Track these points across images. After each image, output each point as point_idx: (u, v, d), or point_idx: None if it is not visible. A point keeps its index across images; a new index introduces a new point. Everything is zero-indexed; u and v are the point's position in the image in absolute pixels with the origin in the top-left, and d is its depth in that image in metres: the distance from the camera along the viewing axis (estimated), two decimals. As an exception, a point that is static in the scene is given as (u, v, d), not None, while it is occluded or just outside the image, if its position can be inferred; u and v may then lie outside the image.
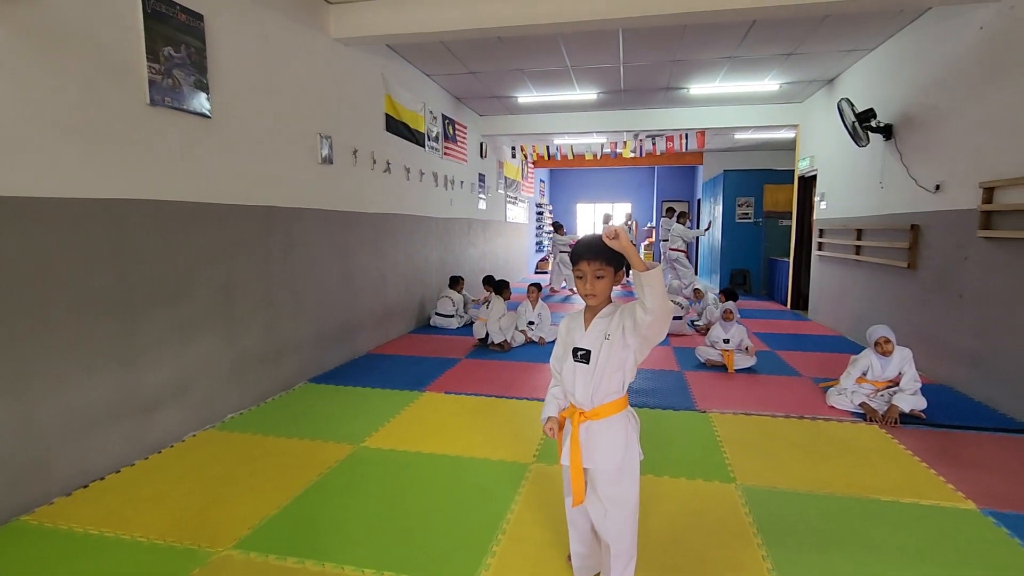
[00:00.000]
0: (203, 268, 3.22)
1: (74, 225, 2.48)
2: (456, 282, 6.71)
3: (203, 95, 3.15)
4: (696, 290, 7.52)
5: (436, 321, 6.45)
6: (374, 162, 5.20)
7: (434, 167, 6.78)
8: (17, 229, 2.26)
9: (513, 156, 10.89)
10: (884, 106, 5.16)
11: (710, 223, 10.67)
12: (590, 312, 1.71)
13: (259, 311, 3.71)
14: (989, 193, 3.70)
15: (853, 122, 5.19)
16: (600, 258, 1.61)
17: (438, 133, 6.91)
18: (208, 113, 3.19)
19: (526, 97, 7.53)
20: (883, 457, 2.90)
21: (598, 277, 1.62)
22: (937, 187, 4.33)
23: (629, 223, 13.01)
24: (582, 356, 1.67)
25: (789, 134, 8.81)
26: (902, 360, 3.49)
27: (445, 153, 7.17)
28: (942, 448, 2.99)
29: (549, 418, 1.77)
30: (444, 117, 7.16)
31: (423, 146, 6.41)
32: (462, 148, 7.85)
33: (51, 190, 2.38)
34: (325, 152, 4.39)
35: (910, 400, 3.39)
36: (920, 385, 3.44)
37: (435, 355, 5.12)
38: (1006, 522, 2.25)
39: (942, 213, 4.27)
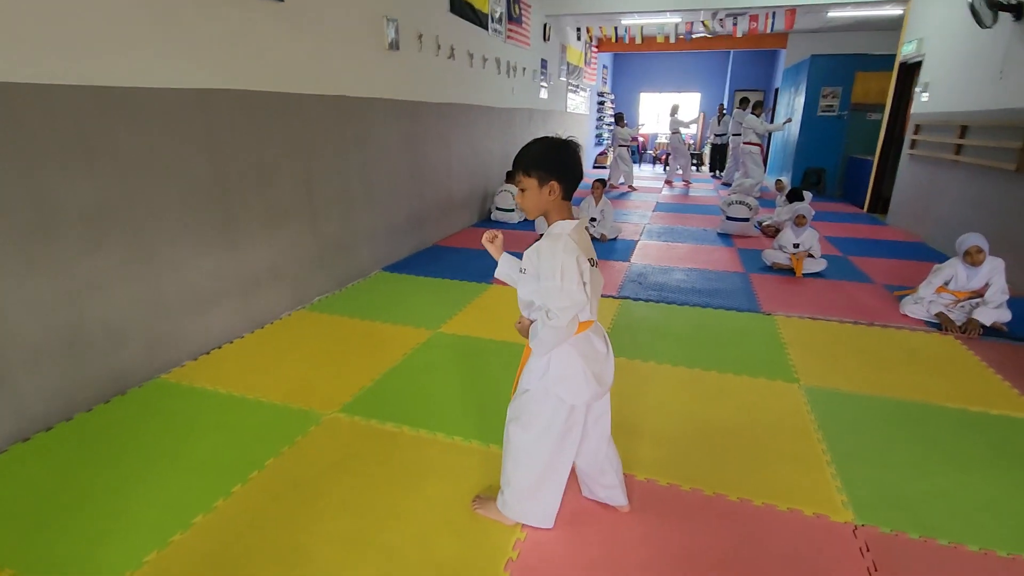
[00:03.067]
0: (286, 159, 3.34)
1: (173, 115, 2.60)
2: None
3: (275, -25, 3.06)
4: (779, 180, 7.18)
5: (496, 215, 6.51)
6: (438, 47, 5.00)
7: (497, 52, 6.45)
8: (126, 119, 2.39)
9: (579, 38, 10.14)
10: (1024, -23, 4.40)
11: (789, 118, 9.83)
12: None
13: (336, 201, 3.86)
14: None
15: (980, -2, 4.50)
16: (518, 170, 1.47)
17: (502, 13, 6.48)
18: (280, -4, 3.12)
19: (598, -31, 6.84)
20: (955, 367, 2.88)
21: (521, 190, 1.47)
22: (1071, 79, 3.80)
23: (696, 121, 12.18)
24: (522, 270, 1.54)
25: (896, 11, 7.73)
26: (992, 270, 3.32)
27: (508, 36, 6.76)
28: (1019, 361, 2.94)
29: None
30: (509, -7, 6.66)
31: (486, 28, 6.06)
32: (525, 31, 7.37)
33: (149, 80, 2.47)
34: (392, 37, 4.25)
35: (993, 313, 3.27)
36: (1007, 298, 3.30)
37: (498, 249, 5.24)
38: (1078, 435, 2.26)
39: (1071, 110, 3.79)
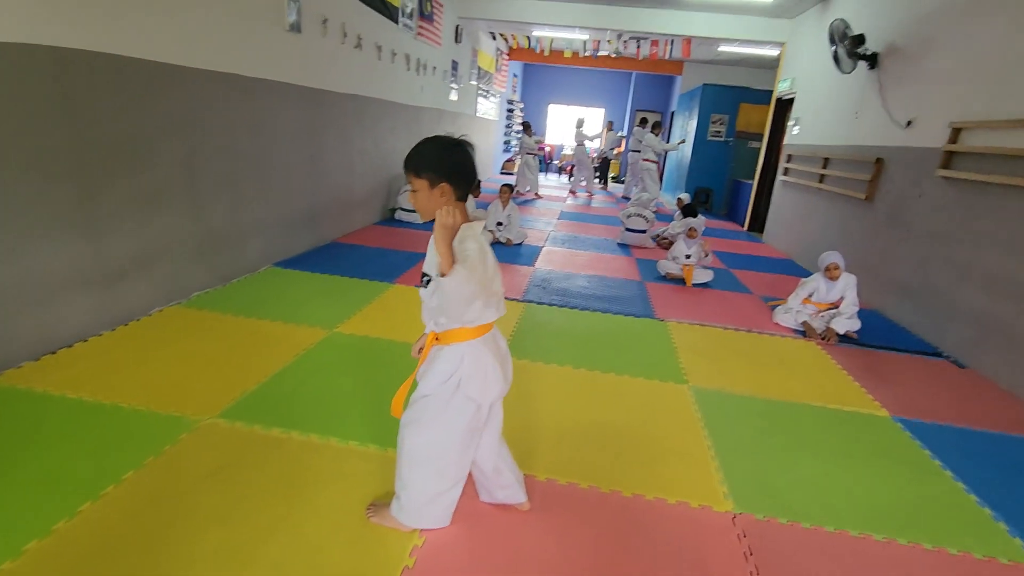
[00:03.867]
0: (164, 137, 3.00)
1: (20, 75, 2.22)
2: None
3: (158, -69, 2.75)
4: (679, 198, 7.59)
5: (401, 215, 6.34)
6: (344, 35, 4.78)
7: (407, 48, 6.30)
8: (-46, 71, 2.01)
9: (494, 38, 10.20)
10: (874, 33, 5.09)
11: (683, 139, 10.60)
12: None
13: (223, 188, 3.53)
14: (956, 133, 3.83)
15: (841, 46, 5.12)
16: (408, 170, 1.41)
17: (413, 9, 6.35)
18: (164, -45, 2.80)
19: (511, -22, 6.93)
20: (816, 369, 3.22)
21: (413, 191, 1.41)
22: (909, 123, 4.44)
23: (607, 132, 12.73)
24: (425, 281, 1.46)
25: (774, 51, 8.62)
26: (846, 285, 3.77)
27: (419, 33, 6.64)
28: (867, 365, 3.34)
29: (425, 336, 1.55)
30: (421, -9, 6.55)
31: (396, 21, 5.91)
32: (437, 29, 7.29)
33: (-11, 28, 2.10)
34: (293, 18, 3.99)
35: (846, 323, 3.71)
36: (857, 309, 3.76)
37: (402, 248, 5.10)
38: (910, 427, 2.60)
39: (908, 149, 4.42)
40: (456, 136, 1.44)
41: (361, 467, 1.95)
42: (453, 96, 8.52)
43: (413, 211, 6.21)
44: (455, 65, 8.42)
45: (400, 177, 6.56)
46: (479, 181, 5.97)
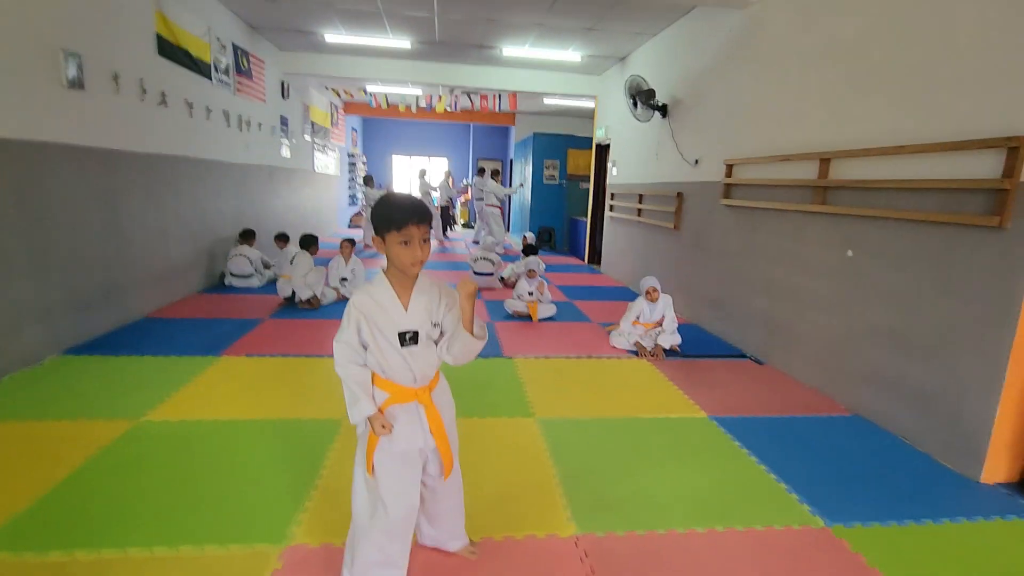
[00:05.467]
0: None
1: None
2: (248, 236, 6.06)
3: None
4: (524, 237, 7.92)
5: (232, 281, 5.82)
6: (144, 91, 4.37)
7: (225, 104, 5.95)
8: None
9: (326, 88, 10.05)
10: (663, 87, 5.95)
11: (521, 183, 11.31)
12: (403, 284, 1.49)
13: (-17, 269, 2.95)
14: (730, 169, 4.57)
15: (637, 99, 5.89)
16: (428, 220, 1.44)
17: (228, 65, 6.05)
18: None
19: (335, 36, 6.96)
20: (647, 384, 3.52)
21: (425, 241, 1.44)
22: (696, 161, 5.21)
23: (448, 180, 13.09)
24: (411, 338, 1.48)
25: (590, 104, 9.65)
26: (665, 305, 4.22)
27: (238, 89, 6.33)
28: (689, 373, 3.74)
29: (373, 416, 1.49)
30: (236, 47, 6.28)
31: (210, 78, 5.57)
32: (259, 85, 7.01)
33: None
34: (72, 74, 3.56)
35: (669, 338, 4.14)
36: (677, 325, 4.21)
37: (233, 316, 4.66)
38: (723, 424, 2.94)
39: (698, 184, 5.17)
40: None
41: (173, 573, 1.67)
42: (285, 152, 8.19)
43: (246, 276, 5.80)
44: (285, 120, 8.13)
45: (228, 240, 6.06)
46: (317, 238, 5.68)
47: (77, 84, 3.61)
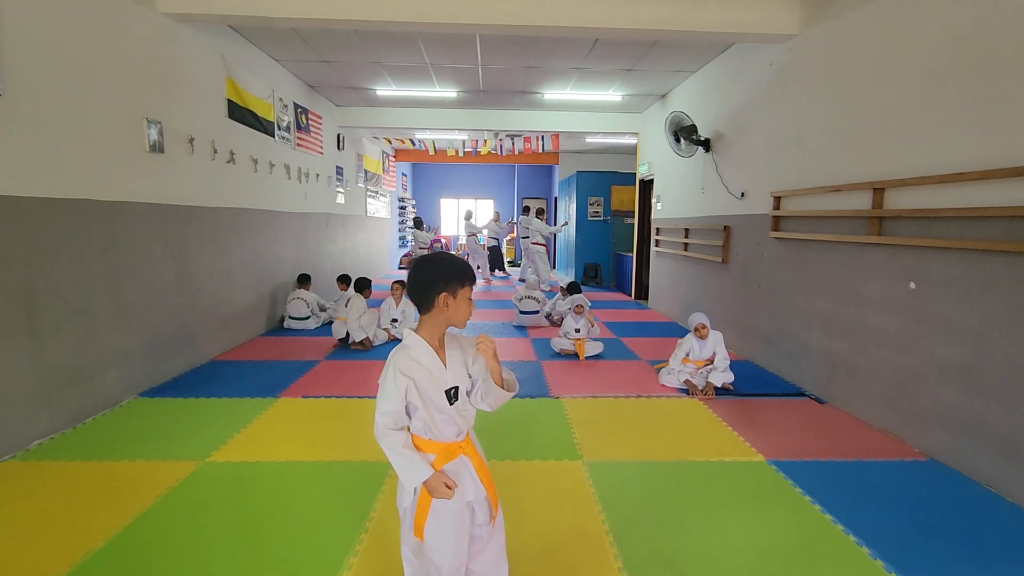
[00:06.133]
0: (-6, 272, 2.74)
1: None
2: (304, 280, 6.39)
3: (-12, 67, 2.67)
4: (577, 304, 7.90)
5: (291, 324, 6.10)
6: (215, 152, 4.77)
7: (286, 159, 6.38)
8: None
9: (377, 138, 10.59)
10: (705, 122, 5.95)
11: (566, 221, 11.39)
12: (437, 342, 1.51)
13: (72, 319, 3.24)
14: (778, 201, 4.48)
15: (675, 135, 5.90)
16: (469, 282, 1.50)
17: (290, 122, 6.51)
18: (-4, 89, 2.71)
19: (385, 90, 7.39)
20: (699, 425, 3.41)
21: (468, 299, 1.51)
22: (742, 194, 5.13)
23: (496, 220, 13.39)
24: (454, 394, 1.50)
25: (632, 140, 9.73)
26: (715, 342, 4.10)
27: (298, 144, 6.78)
28: (743, 413, 3.59)
29: (431, 477, 1.45)
30: (297, 106, 6.76)
31: (273, 136, 6.01)
32: (317, 139, 7.49)
33: None
34: (153, 138, 3.94)
35: (721, 376, 4.01)
36: (729, 362, 4.08)
37: (291, 358, 4.87)
38: (783, 468, 2.80)
39: (745, 216, 5.07)
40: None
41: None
42: (340, 200, 8.63)
43: (303, 318, 6.06)
44: (340, 170, 8.60)
45: (287, 284, 6.39)
46: (370, 281, 5.90)
47: (157, 148, 3.98)
